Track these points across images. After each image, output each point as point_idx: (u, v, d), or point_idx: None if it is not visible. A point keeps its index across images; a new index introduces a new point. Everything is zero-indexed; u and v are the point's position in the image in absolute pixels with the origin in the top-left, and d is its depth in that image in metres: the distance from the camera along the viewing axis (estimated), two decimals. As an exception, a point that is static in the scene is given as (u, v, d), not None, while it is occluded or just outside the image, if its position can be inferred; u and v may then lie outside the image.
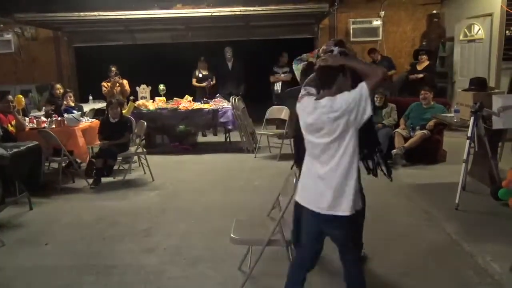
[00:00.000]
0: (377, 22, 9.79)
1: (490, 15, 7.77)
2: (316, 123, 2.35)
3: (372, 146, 2.97)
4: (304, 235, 2.59)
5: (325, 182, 2.38)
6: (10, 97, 5.83)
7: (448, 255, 3.47)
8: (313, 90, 2.53)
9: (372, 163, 3.06)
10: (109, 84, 7.98)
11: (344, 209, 2.34)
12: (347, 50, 2.65)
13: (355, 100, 2.24)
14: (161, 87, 8.18)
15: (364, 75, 2.30)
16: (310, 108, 2.38)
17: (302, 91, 2.57)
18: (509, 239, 3.47)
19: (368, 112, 2.25)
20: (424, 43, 8.85)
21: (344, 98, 2.26)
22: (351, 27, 9.83)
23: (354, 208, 2.36)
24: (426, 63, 8.07)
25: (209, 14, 8.28)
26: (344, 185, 2.34)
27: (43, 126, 6.04)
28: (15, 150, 4.63)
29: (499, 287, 2.97)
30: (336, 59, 2.48)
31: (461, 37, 8.62)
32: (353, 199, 2.34)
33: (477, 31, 8.16)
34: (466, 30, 8.47)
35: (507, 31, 7.46)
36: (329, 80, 2.38)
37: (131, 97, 7.83)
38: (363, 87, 2.24)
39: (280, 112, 7.34)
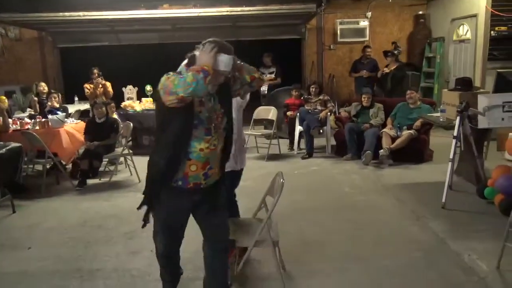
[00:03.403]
0: (364, 23, 9.85)
1: (475, 15, 7.85)
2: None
3: None
4: None
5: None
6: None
7: (435, 253, 3.48)
8: None
9: None
10: (91, 86, 7.90)
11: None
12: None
13: None
14: (148, 88, 8.09)
15: None
16: None
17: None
18: (495, 237, 3.48)
19: None
20: (398, 45, 8.92)
21: None
22: (339, 27, 9.88)
23: None
24: (394, 65, 8.15)
25: (196, 14, 8.23)
26: None
27: (26, 127, 5.94)
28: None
29: (486, 285, 2.98)
30: None
31: (454, 37, 8.70)
32: None
33: (466, 32, 8.25)
34: (458, 30, 8.56)
35: (492, 32, 7.54)
36: None
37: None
38: None
39: (267, 112, 7.31)
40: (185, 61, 2.45)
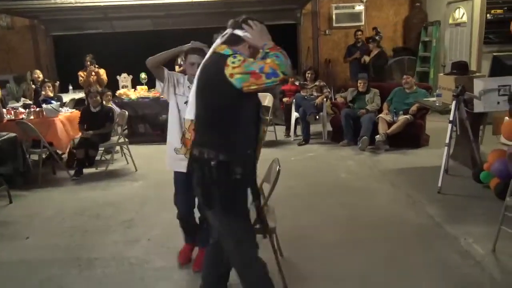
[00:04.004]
0: (359, 7, 9.78)
1: (471, -1, 7.80)
2: None
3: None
4: None
5: None
6: None
7: (431, 238, 3.51)
8: None
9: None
10: (85, 73, 7.83)
11: None
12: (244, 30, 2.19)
13: None
14: (143, 75, 8.03)
15: None
16: None
17: None
18: (491, 221, 3.51)
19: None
20: (378, 30, 8.94)
21: None
22: (334, 12, 9.81)
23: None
24: (376, 50, 8.15)
25: (190, 0, 8.14)
26: None
27: (21, 117, 5.89)
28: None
29: (482, 268, 3.01)
30: None
31: (450, 21, 8.65)
32: None
33: (462, 15, 8.21)
34: (454, 14, 8.51)
35: (488, 15, 7.50)
36: None
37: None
38: None
39: (263, 99, 7.27)
40: (220, 41, 2.20)
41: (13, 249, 3.68)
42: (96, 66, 7.87)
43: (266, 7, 9.37)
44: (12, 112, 6.06)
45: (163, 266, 3.26)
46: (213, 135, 2.18)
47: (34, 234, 3.96)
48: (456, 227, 3.62)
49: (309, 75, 7.31)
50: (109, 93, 7.20)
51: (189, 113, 2.25)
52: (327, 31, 9.99)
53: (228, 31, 2.21)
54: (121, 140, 5.97)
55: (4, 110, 6.14)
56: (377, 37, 8.35)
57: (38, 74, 7.67)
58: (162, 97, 7.37)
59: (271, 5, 9.27)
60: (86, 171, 5.77)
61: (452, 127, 4.50)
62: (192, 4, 8.29)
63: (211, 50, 2.22)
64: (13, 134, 4.90)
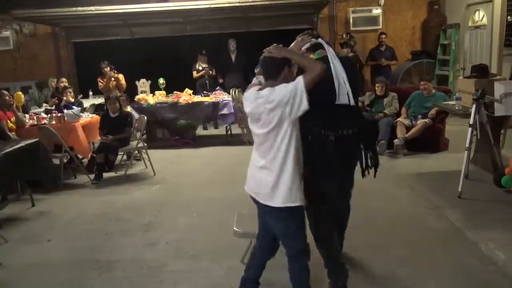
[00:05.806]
0: (377, 11, 9.70)
1: (491, 0, 7.69)
2: (254, 113, 2.41)
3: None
4: (258, 223, 2.70)
5: (264, 173, 2.45)
6: (6, 92, 5.80)
7: (451, 243, 3.46)
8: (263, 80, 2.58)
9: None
10: (104, 79, 7.95)
11: (277, 201, 2.40)
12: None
13: (291, 93, 2.26)
14: (161, 81, 8.14)
15: (303, 69, 2.35)
16: (252, 98, 2.42)
17: (255, 80, 2.68)
18: (512, 226, 3.46)
19: (304, 106, 2.27)
20: (352, 35, 8.93)
21: (281, 90, 2.30)
22: (351, 16, 9.75)
23: (289, 202, 2.39)
24: (350, 55, 8.20)
25: (207, 6, 8.22)
26: (279, 177, 2.38)
27: (43, 122, 6.02)
28: (8, 149, 4.51)
29: (503, 275, 2.96)
30: (280, 50, 2.44)
31: (469, 24, 8.54)
32: (287, 192, 2.39)
33: (482, 18, 8.10)
34: (473, 16, 8.40)
35: (508, 17, 7.39)
36: (273, 72, 2.42)
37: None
38: (299, 81, 2.27)
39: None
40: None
41: (35, 251, 3.76)
42: (115, 71, 7.98)
43: (282, 12, 9.41)
44: (35, 117, 6.20)
45: (181, 269, 3.29)
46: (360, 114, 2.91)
47: (55, 236, 4.04)
48: (477, 233, 3.56)
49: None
50: (124, 98, 7.28)
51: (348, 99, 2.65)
52: (344, 35, 9.95)
53: (320, 39, 2.75)
54: (140, 144, 6.05)
55: (27, 115, 6.29)
56: (351, 42, 8.36)
57: (65, 82, 7.80)
58: (180, 102, 7.47)
59: (287, 10, 9.29)
60: (105, 175, 5.86)
61: (472, 131, 4.43)
62: (209, 9, 8.36)
63: (333, 53, 2.69)
64: (34, 140, 4.97)
